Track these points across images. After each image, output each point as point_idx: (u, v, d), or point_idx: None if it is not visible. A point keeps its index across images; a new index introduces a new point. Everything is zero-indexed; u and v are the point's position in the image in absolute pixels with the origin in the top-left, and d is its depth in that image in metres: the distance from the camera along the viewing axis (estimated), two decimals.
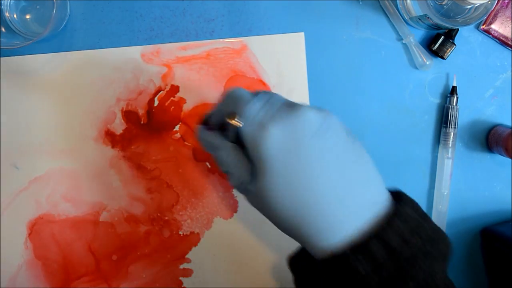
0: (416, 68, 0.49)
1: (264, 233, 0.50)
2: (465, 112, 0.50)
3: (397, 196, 0.31)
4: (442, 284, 0.28)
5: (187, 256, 0.50)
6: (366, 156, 0.31)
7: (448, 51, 0.48)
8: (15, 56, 0.48)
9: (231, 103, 0.32)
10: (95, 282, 0.49)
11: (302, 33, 0.49)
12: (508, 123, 0.50)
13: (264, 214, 0.31)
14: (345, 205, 0.28)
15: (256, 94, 0.33)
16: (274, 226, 0.32)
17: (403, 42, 0.49)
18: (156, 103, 0.49)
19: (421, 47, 0.48)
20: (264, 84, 0.49)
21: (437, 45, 0.48)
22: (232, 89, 0.33)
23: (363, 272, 0.27)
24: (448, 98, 0.49)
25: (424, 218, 0.30)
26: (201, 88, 0.49)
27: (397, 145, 0.50)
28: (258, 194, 0.30)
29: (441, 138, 0.49)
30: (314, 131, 0.29)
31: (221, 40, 0.49)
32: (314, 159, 0.28)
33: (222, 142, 0.32)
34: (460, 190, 0.50)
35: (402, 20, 0.48)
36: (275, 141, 0.28)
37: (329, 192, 0.28)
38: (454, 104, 0.48)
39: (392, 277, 0.27)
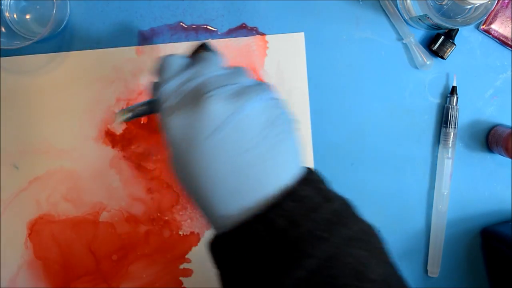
0: (416, 68, 0.49)
1: None
2: (465, 112, 0.50)
3: (308, 176, 0.30)
4: (348, 271, 0.26)
5: (187, 256, 0.50)
6: (286, 139, 0.29)
7: (448, 51, 0.48)
8: (15, 56, 0.48)
9: (159, 71, 0.32)
10: (95, 282, 0.49)
11: (302, 33, 0.49)
12: (508, 123, 0.50)
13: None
14: (234, 193, 0.28)
15: (186, 66, 0.31)
16: None
17: (404, 42, 0.49)
18: None
19: (421, 46, 0.48)
20: None
21: (437, 45, 0.48)
22: (164, 57, 0.32)
23: (248, 251, 0.27)
24: (448, 98, 0.49)
25: (328, 200, 0.28)
26: None
27: (397, 145, 0.50)
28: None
29: (441, 138, 0.49)
30: (215, 127, 0.28)
31: (221, 40, 0.49)
32: (206, 159, 0.28)
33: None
34: (460, 190, 0.50)
35: (402, 20, 0.48)
36: (175, 131, 0.28)
37: (217, 185, 0.28)
38: (454, 104, 0.48)
39: (278, 260, 0.26)
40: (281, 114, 0.30)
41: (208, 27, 0.49)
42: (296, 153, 0.30)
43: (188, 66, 0.32)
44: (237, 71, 0.32)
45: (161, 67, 0.32)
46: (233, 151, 0.28)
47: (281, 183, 0.28)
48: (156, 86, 0.31)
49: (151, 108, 0.33)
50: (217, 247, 0.30)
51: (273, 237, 0.27)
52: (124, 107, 0.49)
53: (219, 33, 0.49)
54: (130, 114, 0.34)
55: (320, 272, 0.26)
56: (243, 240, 0.27)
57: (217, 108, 0.28)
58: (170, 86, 0.30)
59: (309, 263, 0.26)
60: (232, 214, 0.28)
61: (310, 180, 0.29)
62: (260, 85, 0.30)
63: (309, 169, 0.31)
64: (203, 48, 0.37)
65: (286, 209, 0.27)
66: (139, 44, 0.49)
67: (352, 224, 0.28)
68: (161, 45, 0.48)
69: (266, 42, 0.49)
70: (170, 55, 0.32)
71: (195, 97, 0.29)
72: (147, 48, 0.48)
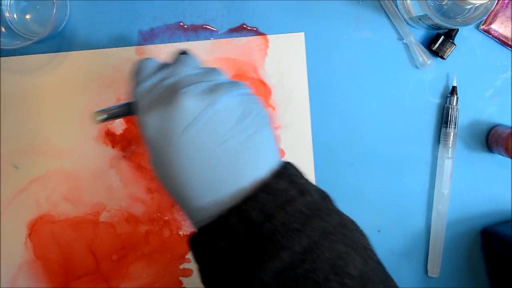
0: (416, 68, 0.49)
1: None
2: (465, 112, 0.50)
3: (283, 169, 0.30)
4: (326, 265, 0.26)
5: (187, 256, 0.50)
6: (259, 131, 0.30)
7: (448, 51, 0.48)
8: (15, 56, 0.48)
9: (135, 74, 0.33)
10: (95, 282, 0.49)
11: (302, 33, 0.49)
12: (508, 123, 0.50)
13: None
14: (208, 185, 0.28)
15: (161, 68, 0.32)
16: None
17: (404, 41, 0.49)
18: None
19: (422, 46, 0.48)
20: (264, 84, 0.49)
21: (437, 45, 0.48)
22: (139, 61, 0.33)
23: (224, 245, 0.27)
24: (448, 98, 0.49)
25: (302, 193, 0.28)
26: None
27: (397, 145, 0.50)
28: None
29: (441, 138, 0.49)
30: (189, 122, 0.28)
31: (221, 40, 0.49)
32: (182, 154, 0.28)
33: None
34: (460, 190, 0.50)
35: (403, 19, 0.48)
36: (151, 129, 0.29)
37: (192, 178, 0.28)
38: (454, 104, 0.48)
39: (253, 253, 0.26)
40: (255, 108, 0.30)
41: (208, 27, 0.49)
42: (271, 146, 0.31)
43: (162, 68, 0.32)
44: (212, 70, 0.32)
45: (136, 70, 0.33)
46: (208, 144, 0.28)
47: (255, 176, 0.29)
48: (131, 89, 0.32)
49: (129, 110, 0.34)
50: (195, 242, 0.30)
51: (248, 230, 0.27)
52: None
53: (219, 33, 0.49)
54: (105, 115, 0.34)
55: (296, 266, 0.26)
56: (219, 234, 0.28)
57: (190, 103, 0.28)
58: (144, 87, 0.31)
59: (284, 256, 0.26)
60: (208, 207, 0.28)
61: (285, 173, 0.29)
62: (234, 82, 0.31)
63: (285, 162, 0.31)
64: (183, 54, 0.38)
65: (260, 202, 0.27)
66: (139, 44, 0.49)
67: (328, 217, 0.28)
68: (161, 45, 0.48)
69: (267, 42, 0.49)
70: (145, 59, 0.33)
71: (169, 95, 0.29)
72: (147, 48, 0.48)
